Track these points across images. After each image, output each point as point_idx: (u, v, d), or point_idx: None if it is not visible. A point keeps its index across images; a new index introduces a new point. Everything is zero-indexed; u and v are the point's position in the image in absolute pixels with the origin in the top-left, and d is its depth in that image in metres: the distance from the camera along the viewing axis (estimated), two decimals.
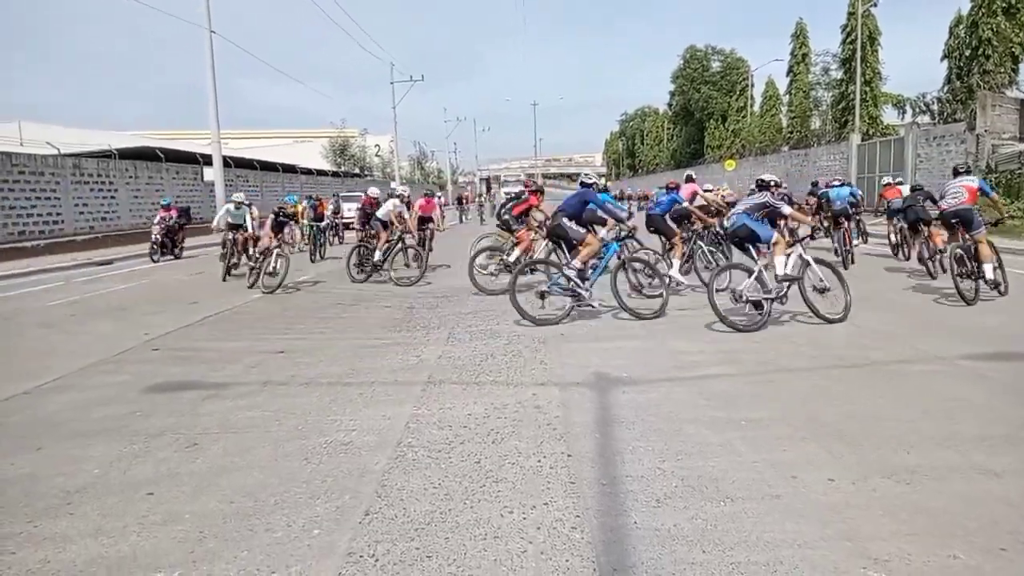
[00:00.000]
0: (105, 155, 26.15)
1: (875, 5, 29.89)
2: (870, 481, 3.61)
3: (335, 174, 52.96)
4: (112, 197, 25.02)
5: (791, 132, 42.55)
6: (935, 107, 29.83)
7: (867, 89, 32.10)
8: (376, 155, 70.77)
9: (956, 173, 9.68)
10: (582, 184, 9.08)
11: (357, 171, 61.32)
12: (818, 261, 7.89)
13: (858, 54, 29.64)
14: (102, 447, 4.43)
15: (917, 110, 31.93)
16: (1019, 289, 9.59)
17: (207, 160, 30.61)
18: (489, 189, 65.85)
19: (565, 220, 8.60)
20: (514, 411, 4.88)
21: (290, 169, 43.74)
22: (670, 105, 70.08)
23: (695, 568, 2.83)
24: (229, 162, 34.36)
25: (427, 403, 5.13)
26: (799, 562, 2.85)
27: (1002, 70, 24.64)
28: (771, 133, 44.94)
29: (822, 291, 7.81)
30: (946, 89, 27.82)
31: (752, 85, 53.49)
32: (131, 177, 26.27)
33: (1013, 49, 24.64)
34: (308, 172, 46.62)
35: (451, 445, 4.25)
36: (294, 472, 3.92)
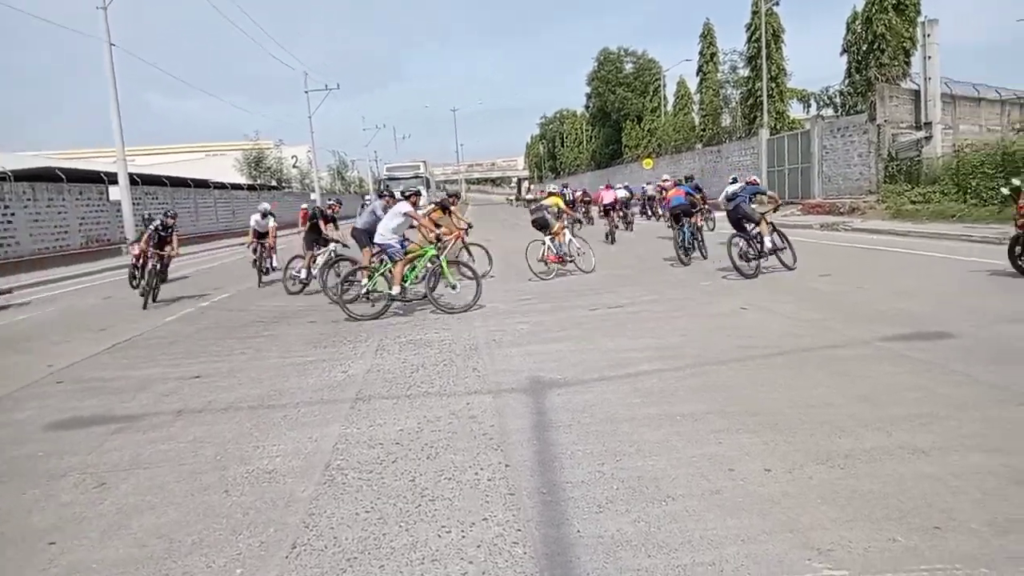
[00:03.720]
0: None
1: (777, 4, 31.04)
2: (806, 469, 3.62)
3: (251, 187, 51.35)
4: (9, 222, 23.44)
5: (703, 130, 43.77)
6: (838, 100, 31.16)
7: (773, 85, 33.26)
8: (294, 166, 69.06)
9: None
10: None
11: (274, 183, 59.69)
12: None
13: (763, 52, 30.73)
14: None
15: (821, 103, 33.30)
16: (919, 268, 10.02)
17: (112, 179, 29.20)
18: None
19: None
20: (448, 423, 4.71)
21: (202, 184, 42.12)
22: (587, 107, 71.12)
23: (641, 574, 2.74)
24: (136, 179, 32.87)
25: (356, 421, 4.90)
26: (744, 559, 2.80)
27: (896, 63, 25.93)
28: (685, 131, 46.09)
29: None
30: (847, 82, 29.06)
31: (664, 85, 54.76)
32: (29, 200, 24.68)
33: (904, 43, 25.97)
34: (221, 187, 44.98)
35: (383, 464, 4.05)
36: (213, 506, 3.65)
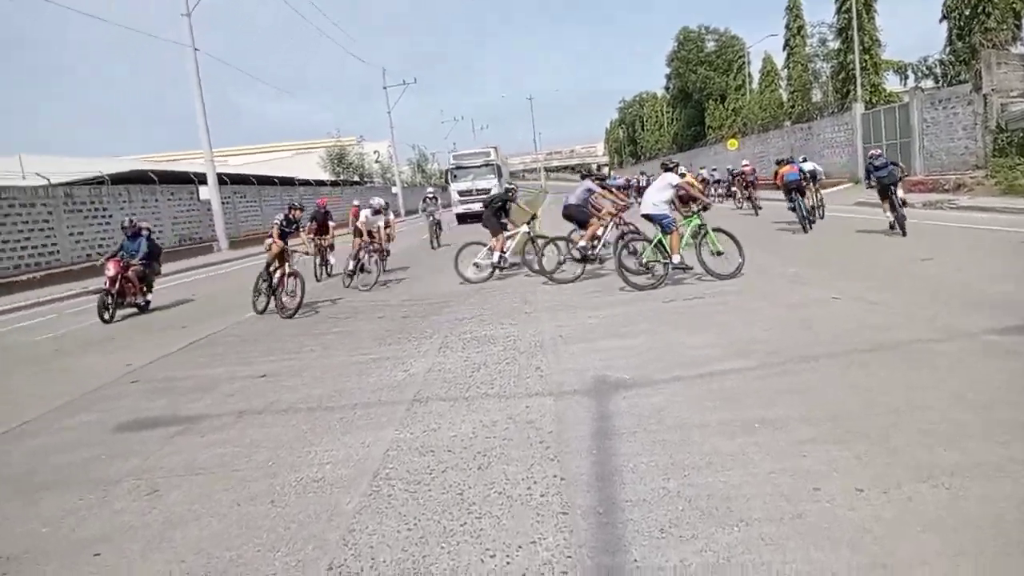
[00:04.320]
0: (97, 182, 25.92)
1: None
2: (904, 488, 3.15)
3: (334, 183, 52.65)
4: (107, 223, 24.68)
5: (792, 106, 41.78)
6: (938, 70, 29.00)
7: (867, 57, 31.32)
8: (376, 161, 70.47)
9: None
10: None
11: (356, 179, 60.99)
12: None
13: (854, 22, 28.92)
14: (54, 500, 4.03)
15: (920, 74, 31.09)
16: None
17: (202, 179, 30.35)
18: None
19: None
20: (504, 428, 4.44)
21: (288, 182, 43.43)
22: (667, 89, 69.30)
23: None
24: (225, 179, 34.09)
25: (411, 425, 4.70)
26: None
27: (1004, 27, 23.88)
28: (772, 109, 44.16)
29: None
30: (948, 51, 27.00)
31: (749, 62, 52.68)
32: (125, 202, 25.95)
33: (1014, 5, 23.88)
34: (306, 183, 46.31)
35: (432, 474, 3.82)
36: (256, 519, 3.51)
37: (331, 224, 15.51)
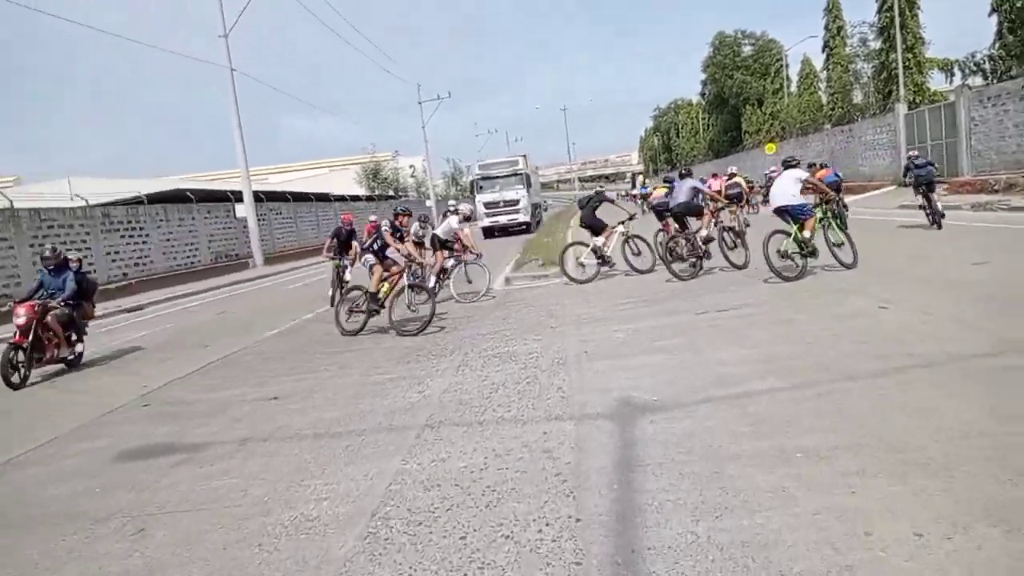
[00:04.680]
0: (135, 202, 26.30)
1: None
2: (972, 533, 2.70)
3: (369, 198, 52.96)
4: (144, 242, 25.03)
5: (832, 109, 40.71)
6: (987, 66, 27.85)
7: (910, 56, 30.28)
8: (411, 176, 70.81)
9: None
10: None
11: (391, 193, 61.30)
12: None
13: (896, 20, 27.99)
14: (37, 539, 3.78)
15: (967, 71, 29.95)
16: None
17: (238, 197, 30.61)
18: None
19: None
20: (519, 459, 4.06)
21: (323, 198, 43.76)
22: (703, 95, 68.46)
23: None
24: (261, 196, 34.42)
25: (419, 454, 4.35)
26: None
27: None
28: (811, 112, 43.11)
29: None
30: (997, 45, 25.91)
31: (787, 66, 51.64)
32: (162, 221, 26.27)
33: None
34: (341, 199, 46.63)
35: (435, 513, 3.46)
36: (241, 564, 3.20)
37: (355, 243, 14.92)
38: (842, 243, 9.97)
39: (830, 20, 40.07)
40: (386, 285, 9.50)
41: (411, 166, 71.11)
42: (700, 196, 11.71)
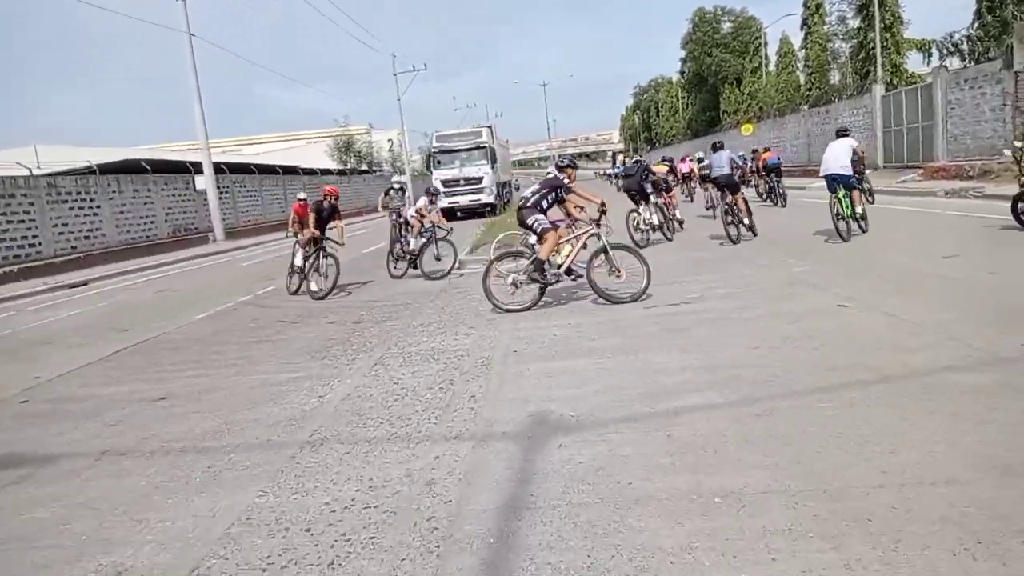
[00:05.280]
0: (86, 172, 25.11)
1: None
2: None
3: (340, 172, 51.72)
4: (95, 214, 23.90)
5: (809, 89, 40.16)
6: (965, 47, 27.35)
7: (887, 36, 29.70)
8: (389, 150, 69.44)
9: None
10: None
11: (364, 167, 60.04)
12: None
13: None
14: None
15: (945, 52, 29.42)
16: None
17: (199, 169, 29.47)
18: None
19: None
20: (394, 492, 3.40)
21: (291, 171, 42.49)
22: (682, 73, 67.61)
23: None
24: (223, 168, 33.24)
25: (284, 482, 3.68)
26: None
27: None
28: (789, 92, 42.52)
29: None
30: (976, 25, 25.41)
31: (766, 44, 50.91)
32: (115, 192, 25.11)
33: None
34: (311, 172, 45.35)
35: (266, 572, 2.79)
36: None
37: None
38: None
39: None
40: (567, 247, 8.01)
41: (389, 140, 69.68)
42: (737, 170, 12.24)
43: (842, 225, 10.62)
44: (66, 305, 13.15)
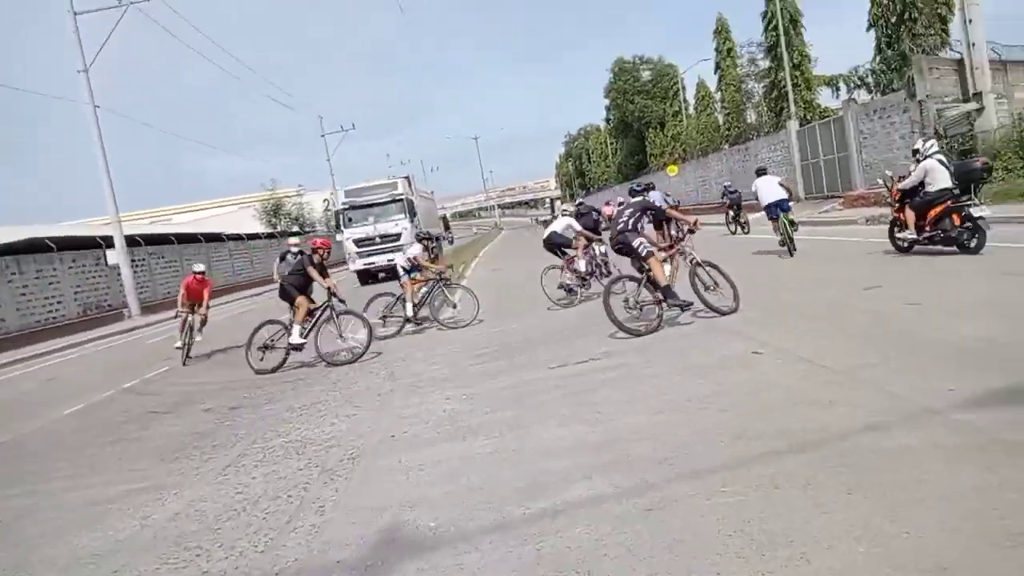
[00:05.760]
0: None
1: None
2: None
3: (270, 235, 50.32)
4: None
5: (728, 129, 41.06)
6: (870, 80, 28.20)
7: (797, 73, 30.49)
8: (326, 209, 68.33)
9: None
10: None
11: (296, 229, 58.74)
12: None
13: (781, 39, 28.10)
14: None
15: (852, 85, 30.35)
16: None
17: (110, 243, 27.97)
18: (447, 227, 63.14)
19: None
20: None
21: (214, 238, 41.03)
22: (607, 120, 68.88)
23: None
24: (139, 240, 31.76)
25: None
26: None
27: (932, 32, 23.07)
28: (709, 133, 43.37)
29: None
30: (878, 60, 26.23)
31: (684, 88, 52.18)
32: (14, 274, 23.47)
33: (939, 10, 23.18)
34: (237, 238, 43.88)
35: None
36: None
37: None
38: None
39: (720, 41, 40.49)
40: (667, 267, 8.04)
41: (324, 200, 68.66)
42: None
43: (786, 243, 12.37)
44: None
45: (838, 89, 31.58)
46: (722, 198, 21.75)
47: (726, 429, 4.13)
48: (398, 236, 24.65)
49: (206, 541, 3.74)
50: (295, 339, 9.19)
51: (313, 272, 9.41)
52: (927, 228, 9.66)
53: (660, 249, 8.10)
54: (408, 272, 11.11)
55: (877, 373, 4.75)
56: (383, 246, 24.93)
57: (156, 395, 9.06)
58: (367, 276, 25.70)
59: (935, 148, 9.83)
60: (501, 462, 4.24)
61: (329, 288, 9.28)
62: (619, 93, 60.30)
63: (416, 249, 11.48)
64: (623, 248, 7.97)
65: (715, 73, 42.03)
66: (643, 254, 7.74)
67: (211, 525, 3.98)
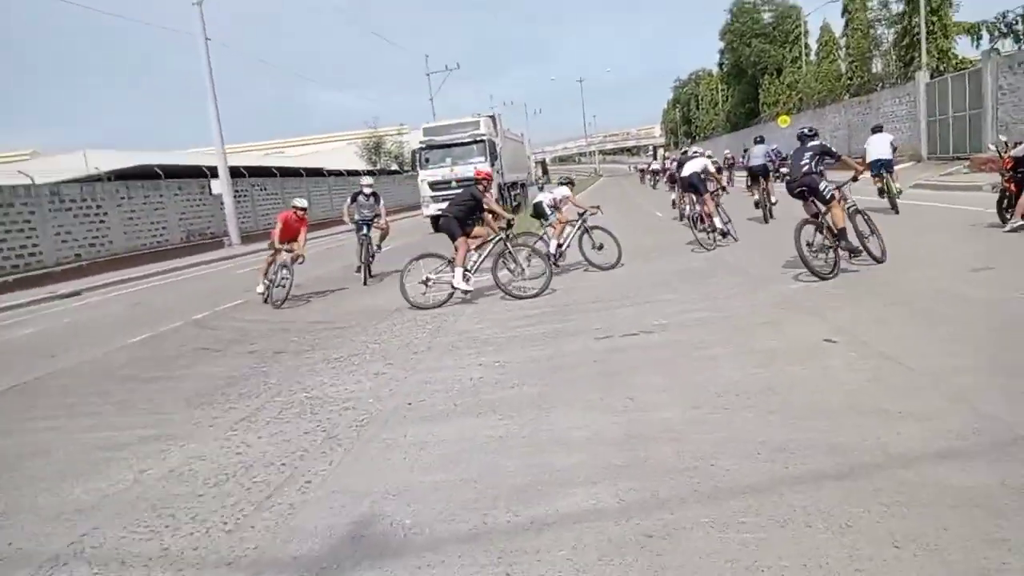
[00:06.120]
0: (94, 179, 24.78)
1: None
2: None
3: (369, 172, 51.06)
4: (101, 221, 23.51)
5: (851, 78, 37.91)
6: (1020, 27, 25.04)
7: (934, 19, 27.52)
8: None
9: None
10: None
11: (395, 167, 59.40)
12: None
13: None
14: None
15: (997, 33, 27.10)
16: None
17: (215, 172, 28.99)
18: (545, 172, 61.97)
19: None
20: None
21: (315, 172, 41.95)
22: (720, 65, 65.29)
23: None
24: (243, 172, 32.79)
25: None
26: None
27: None
28: (829, 82, 40.24)
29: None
30: None
31: (806, 33, 48.51)
32: (123, 199, 24.72)
33: None
34: (337, 173, 44.73)
35: None
36: None
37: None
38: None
39: None
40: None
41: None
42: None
43: (886, 201, 12.58)
44: (35, 320, 12.49)
45: (979, 37, 28.28)
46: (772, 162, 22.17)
47: (767, 437, 3.53)
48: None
49: (182, 510, 3.53)
50: (459, 283, 8.83)
51: (490, 201, 9.35)
52: None
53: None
54: (551, 212, 11.14)
55: (969, 382, 3.98)
56: (459, 191, 22.88)
57: (216, 329, 9.13)
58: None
59: None
60: (507, 450, 3.81)
61: (509, 220, 9.38)
62: (735, 35, 56.83)
63: (563, 191, 11.33)
64: (806, 191, 7.91)
65: (842, 16, 38.68)
66: (827, 197, 7.73)
67: (196, 490, 3.76)
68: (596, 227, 10.92)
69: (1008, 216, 9.27)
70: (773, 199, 15.10)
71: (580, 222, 10.98)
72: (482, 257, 9.39)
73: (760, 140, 17.34)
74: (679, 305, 7.14)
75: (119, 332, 9.77)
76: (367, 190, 12.77)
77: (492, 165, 22.58)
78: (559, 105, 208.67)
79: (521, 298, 8.69)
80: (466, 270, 8.90)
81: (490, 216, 9.38)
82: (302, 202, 11.32)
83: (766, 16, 56.41)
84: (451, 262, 8.82)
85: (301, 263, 11.18)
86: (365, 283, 11.86)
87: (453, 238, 8.99)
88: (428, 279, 8.87)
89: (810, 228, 7.64)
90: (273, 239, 10.87)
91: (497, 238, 9.25)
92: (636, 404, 4.28)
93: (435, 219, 22.97)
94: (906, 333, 5.14)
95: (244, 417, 5.01)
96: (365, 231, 12.62)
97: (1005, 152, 9.64)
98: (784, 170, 11.83)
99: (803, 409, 3.87)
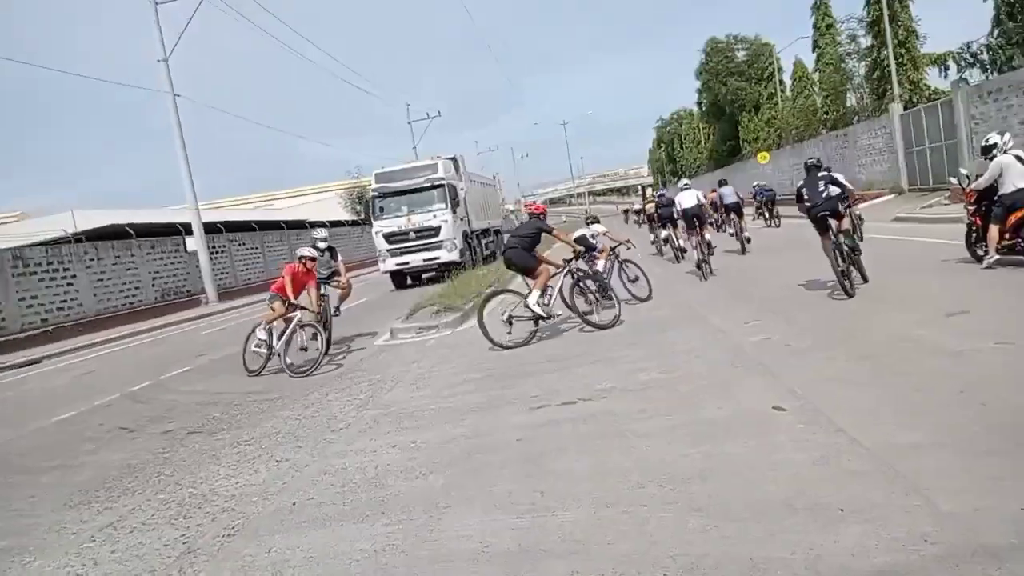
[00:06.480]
0: (61, 241, 24.29)
1: None
2: None
3: (354, 223, 50.83)
4: (69, 284, 22.95)
5: (826, 112, 38.00)
6: (984, 56, 25.04)
7: (903, 51, 27.55)
8: None
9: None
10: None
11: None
12: None
13: (884, 13, 25.29)
14: None
15: (964, 63, 27.10)
16: None
17: (189, 229, 28.54)
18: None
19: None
20: None
21: (297, 225, 41.58)
22: (699, 104, 65.87)
23: None
24: (220, 227, 32.40)
25: None
26: None
27: None
28: (806, 116, 40.37)
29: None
30: (996, 33, 23.26)
31: (780, 69, 48.94)
32: (92, 260, 24.21)
33: None
34: (321, 225, 44.25)
35: None
36: None
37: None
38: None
39: (818, 17, 37.46)
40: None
41: None
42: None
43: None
44: None
45: (946, 68, 28.32)
46: (754, 197, 23.73)
47: (681, 550, 2.91)
48: (437, 231, 20.45)
49: None
50: (536, 308, 8.53)
51: (559, 232, 9.17)
52: (1007, 236, 8.44)
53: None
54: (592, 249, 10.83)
55: (929, 465, 3.37)
56: (418, 243, 20.62)
57: (147, 403, 8.54)
58: (402, 278, 21.77)
59: (1011, 143, 8.71)
60: (375, 571, 3.18)
61: (574, 251, 9.31)
62: (711, 74, 57.40)
63: (598, 227, 11.50)
64: (830, 214, 8.34)
65: (813, 51, 39.00)
66: (843, 214, 8.58)
67: None
68: (628, 260, 11.15)
69: (979, 251, 8.87)
70: (746, 234, 16.27)
71: (613, 256, 11.25)
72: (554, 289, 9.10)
73: (724, 182, 19.41)
74: (630, 364, 6.55)
75: (47, 409, 9.13)
76: (321, 244, 11.28)
77: (454, 212, 20.90)
78: (549, 148, 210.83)
79: (601, 327, 8.60)
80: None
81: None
82: (309, 251, 9.83)
83: (740, 54, 57.09)
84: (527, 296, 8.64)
85: (337, 315, 11.04)
86: (326, 352, 9.50)
87: (528, 271, 8.93)
88: (511, 318, 8.61)
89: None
90: (288, 295, 9.35)
91: (566, 270, 9.16)
92: (544, 500, 3.66)
93: (394, 275, 21.68)
94: (865, 397, 4.55)
95: (112, 522, 4.37)
96: (322, 291, 10.87)
97: (967, 185, 9.32)
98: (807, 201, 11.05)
99: (732, 505, 3.26)
